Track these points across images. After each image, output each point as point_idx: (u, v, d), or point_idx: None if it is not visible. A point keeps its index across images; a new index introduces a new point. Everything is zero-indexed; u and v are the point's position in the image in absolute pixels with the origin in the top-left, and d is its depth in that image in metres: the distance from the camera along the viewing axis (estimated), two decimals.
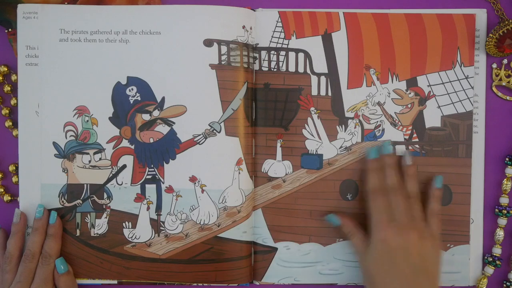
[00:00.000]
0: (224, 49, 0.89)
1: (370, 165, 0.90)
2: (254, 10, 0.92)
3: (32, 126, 0.91)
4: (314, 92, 0.92)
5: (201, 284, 0.93)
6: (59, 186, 0.91)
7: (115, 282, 0.93)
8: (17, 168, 0.92)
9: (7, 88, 0.93)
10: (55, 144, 0.90)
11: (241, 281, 0.92)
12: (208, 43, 0.89)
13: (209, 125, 0.89)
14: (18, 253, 0.88)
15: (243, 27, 0.90)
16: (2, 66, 0.93)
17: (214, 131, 0.89)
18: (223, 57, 0.89)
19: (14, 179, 0.94)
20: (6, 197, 0.94)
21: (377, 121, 0.93)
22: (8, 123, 0.93)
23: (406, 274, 0.80)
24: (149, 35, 0.90)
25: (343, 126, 0.92)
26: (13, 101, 0.93)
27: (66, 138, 0.90)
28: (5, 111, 0.93)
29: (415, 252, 0.81)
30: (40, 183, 0.91)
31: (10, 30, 0.92)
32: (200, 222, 0.90)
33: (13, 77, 0.93)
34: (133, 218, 0.91)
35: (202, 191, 0.90)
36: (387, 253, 0.81)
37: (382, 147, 0.91)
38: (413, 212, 0.85)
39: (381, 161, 0.90)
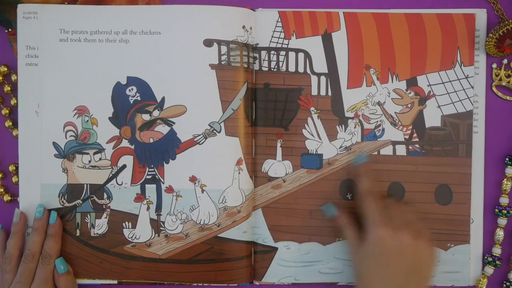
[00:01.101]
0: (224, 49, 0.89)
1: (361, 169, 0.90)
2: (254, 10, 0.92)
3: (32, 126, 0.91)
4: (314, 92, 0.93)
5: (201, 284, 0.93)
6: (59, 186, 0.91)
7: (115, 282, 0.93)
8: (17, 168, 0.92)
9: (7, 88, 0.93)
10: (55, 144, 0.90)
11: (241, 281, 0.92)
12: (208, 43, 0.89)
13: (209, 125, 0.89)
14: (18, 253, 0.88)
15: (243, 27, 0.90)
16: (2, 66, 0.93)
17: (214, 131, 0.89)
18: (223, 57, 0.89)
19: (14, 179, 0.94)
20: (6, 197, 0.94)
21: (377, 121, 0.93)
22: (8, 123, 0.93)
23: (398, 274, 0.80)
24: (149, 35, 0.90)
25: (343, 126, 0.93)
26: (13, 101, 0.93)
27: (66, 138, 0.90)
28: (5, 111, 0.93)
29: (409, 253, 0.80)
30: (40, 183, 0.91)
31: (10, 30, 0.92)
32: (200, 222, 0.90)
33: (13, 77, 0.93)
34: (133, 218, 0.91)
35: (202, 191, 0.90)
36: (381, 253, 0.81)
37: (360, 157, 0.91)
38: (407, 213, 0.85)
39: (370, 166, 0.90)
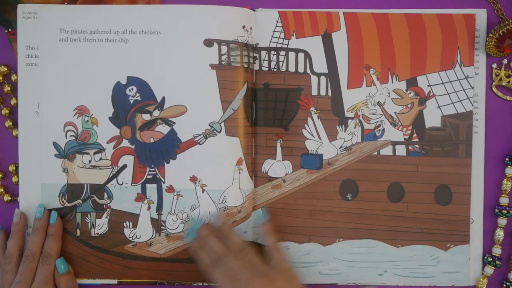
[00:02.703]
0: (224, 49, 0.89)
1: (193, 246, 0.88)
2: (254, 10, 0.92)
3: (32, 126, 0.91)
4: (314, 92, 0.93)
5: (201, 284, 0.93)
6: (59, 186, 0.91)
7: (115, 281, 0.93)
8: (17, 168, 0.92)
9: (7, 88, 0.93)
10: (55, 144, 0.90)
11: None
12: (208, 43, 0.89)
13: (209, 125, 0.89)
14: (18, 253, 0.88)
15: (243, 27, 0.90)
16: (2, 66, 0.93)
17: (215, 131, 0.89)
18: (223, 57, 0.89)
19: (14, 179, 0.94)
20: (6, 197, 0.94)
21: (377, 121, 0.93)
22: (8, 123, 0.93)
23: None
24: (148, 34, 0.90)
25: (343, 126, 0.93)
26: (13, 101, 0.93)
27: (66, 138, 0.90)
28: (5, 111, 0.93)
29: (235, 266, 0.81)
30: (40, 183, 0.91)
31: (10, 30, 0.92)
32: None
33: (13, 77, 0.93)
34: (133, 218, 0.91)
35: (203, 191, 0.90)
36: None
37: (191, 225, 0.89)
38: (250, 262, 0.83)
39: (199, 237, 0.87)
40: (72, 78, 0.90)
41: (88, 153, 0.90)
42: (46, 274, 0.87)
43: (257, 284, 0.78)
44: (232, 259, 0.82)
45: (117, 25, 0.90)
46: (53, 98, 0.90)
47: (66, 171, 0.90)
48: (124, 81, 0.90)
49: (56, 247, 0.89)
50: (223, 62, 0.89)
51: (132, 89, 0.90)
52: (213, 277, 0.83)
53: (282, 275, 0.82)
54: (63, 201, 0.91)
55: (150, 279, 0.92)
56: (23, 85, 0.91)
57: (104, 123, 0.90)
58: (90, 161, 0.91)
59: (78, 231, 0.91)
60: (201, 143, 0.90)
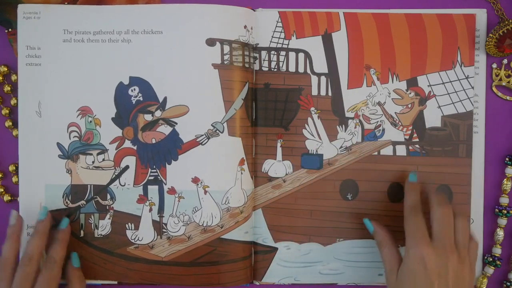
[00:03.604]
0: (226, 48, 0.89)
1: (410, 186, 0.88)
2: (254, 10, 0.92)
3: (32, 126, 0.91)
4: (314, 92, 0.93)
5: (203, 287, 0.93)
6: (63, 187, 0.90)
7: (115, 282, 0.93)
8: (17, 168, 0.92)
9: (7, 88, 0.93)
10: (59, 145, 0.90)
11: (241, 282, 0.92)
12: (210, 42, 0.89)
13: (211, 125, 0.89)
14: (13, 259, 0.84)
15: (245, 26, 0.90)
16: (2, 66, 0.93)
17: (217, 131, 0.89)
18: (226, 57, 0.89)
19: (14, 179, 0.94)
20: (6, 197, 0.94)
21: (377, 121, 0.93)
22: (8, 123, 0.93)
23: None
24: (150, 34, 0.89)
25: (343, 126, 0.93)
26: (13, 101, 0.93)
27: (70, 138, 0.90)
28: (5, 111, 0.93)
29: (452, 276, 0.78)
30: (44, 183, 0.91)
31: (10, 30, 0.92)
32: (203, 224, 0.90)
33: (13, 77, 0.93)
34: (136, 220, 0.91)
35: (205, 192, 0.90)
36: (423, 274, 0.78)
37: (412, 175, 0.90)
38: (457, 234, 0.82)
39: (420, 185, 0.88)
40: (76, 79, 0.90)
41: (91, 154, 0.90)
42: (49, 280, 0.83)
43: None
44: (446, 217, 0.82)
45: (120, 25, 0.89)
46: (57, 99, 0.90)
47: (70, 171, 0.90)
48: (126, 81, 0.90)
49: (62, 253, 0.86)
50: (225, 62, 0.89)
51: (134, 89, 0.89)
52: (408, 218, 0.83)
53: (468, 266, 0.82)
54: (67, 202, 0.90)
55: (152, 281, 0.91)
56: (23, 85, 0.91)
57: (107, 123, 0.90)
58: (93, 162, 0.90)
59: (82, 232, 0.91)
60: (203, 143, 0.89)
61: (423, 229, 0.81)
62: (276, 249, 0.93)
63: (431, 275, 0.77)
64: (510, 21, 0.87)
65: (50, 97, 0.90)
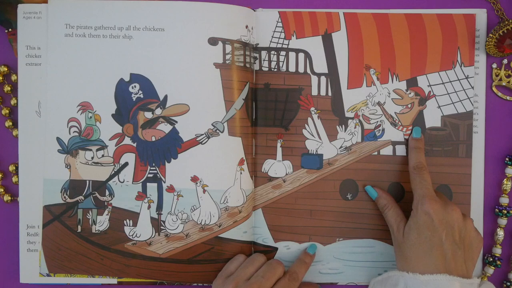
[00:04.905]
0: (228, 48, 0.89)
1: (413, 143, 0.91)
2: (254, 10, 0.92)
3: (32, 126, 0.91)
4: (314, 92, 0.93)
5: (201, 284, 0.93)
6: (61, 181, 0.90)
7: (115, 281, 0.93)
8: (17, 168, 0.92)
9: (7, 88, 0.93)
10: (58, 140, 0.90)
11: None
12: (212, 41, 0.89)
13: (212, 124, 0.89)
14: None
15: (246, 26, 0.90)
16: (2, 66, 0.93)
17: (217, 131, 0.89)
18: (228, 56, 0.89)
19: (14, 179, 0.94)
20: (6, 197, 0.94)
21: (377, 121, 0.93)
22: (8, 123, 0.93)
23: (447, 245, 0.80)
24: (152, 31, 0.89)
25: (343, 126, 0.93)
26: (13, 101, 0.93)
27: (69, 134, 0.90)
28: (5, 111, 0.93)
29: (458, 228, 0.81)
30: (42, 178, 0.90)
31: (10, 30, 0.92)
32: (201, 223, 0.90)
33: (13, 77, 0.93)
34: (134, 216, 0.91)
35: (204, 191, 0.90)
36: (430, 225, 0.80)
37: (416, 130, 0.92)
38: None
39: (423, 142, 0.91)
40: (77, 74, 0.90)
41: (90, 150, 0.90)
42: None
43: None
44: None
45: (121, 21, 0.89)
46: (57, 94, 0.90)
47: (68, 166, 0.90)
48: (127, 78, 0.90)
49: (303, 276, 0.90)
50: (227, 62, 0.89)
51: (135, 86, 0.89)
52: (414, 177, 0.87)
53: (471, 220, 0.85)
54: (65, 197, 0.90)
55: (149, 278, 0.92)
56: (23, 85, 0.91)
57: (107, 120, 0.90)
58: (92, 158, 0.90)
59: (79, 227, 0.91)
60: (203, 143, 0.89)
61: (428, 187, 0.85)
62: (276, 249, 0.93)
63: (439, 225, 0.80)
64: (510, 21, 0.87)
65: (51, 91, 0.90)
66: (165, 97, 0.90)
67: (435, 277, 0.79)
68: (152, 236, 0.91)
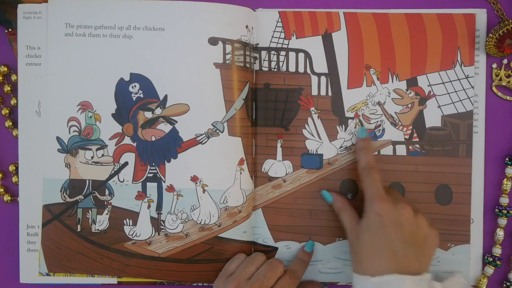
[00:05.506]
0: (228, 48, 0.89)
1: (361, 144, 0.90)
2: (254, 10, 0.92)
3: (32, 126, 0.91)
4: (314, 92, 0.93)
5: (201, 284, 0.93)
6: (61, 181, 0.90)
7: (115, 281, 0.93)
8: (17, 168, 0.93)
9: (7, 88, 0.93)
10: (58, 139, 0.90)
11: None
12: (213, 41, 0.89)
13: (212, 124, 0.89)
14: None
15: (246, 26, 0.90)
16: (2, 66, 0.93)
17: (217, 131, 0.89)
18: (228, 56, 0.89)
19: (14, 179, 0.94)
20: (6, 197, 0.94)
21: (377, 121, 0.93)
22: (8, 123, 0.93)
23: (397, 244, 0.79)
24: (152, 31, 0.89)
25: (343, 126, 0.93)
26: (13, 101, 0.93)
27: (69, 133, 0.90)
28: (5, 111, 0.93)
29: (408, 226, 0.80)
30: (42, 177, 0.90)
31: (10, 30, 0.92)
32: (200, 222, 0.90)
33: (13, 77, 0.93)
34: (134, 216, 0.91)
35: (204, 191, 0.90)
36: (380, 225, 0.80)
37: (361, 130, 0.92)
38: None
39: (370, 142, 0.91)
40: (77, 73, 0.90)
41: (90, 149, 0.90)
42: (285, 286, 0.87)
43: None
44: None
45: (122, 21, 0.89)
46: (57, 93, 0.90)
47: (68, 166, 0.90)
48: (127, 78, 0.90)
49: (302, 275, 0.90)
50: (227, 62, 0.89)
51: (135, 86, 0.89)
52: (364, 178, 0.86)
53: (422, 216, 0.84)
54: (64, 196, 0.90)
55: (149, 277, 0.92)
56: (23, 85, 0.91)
57: (107, 119, 0.90)
58: (92, 157, 0.90)
59: (78, 226, 0.91)
60: (203, 142, 0.89)
61: (378, 186, 0.84)
62: (276, 248, 0.93)
63: (388, 225, 0.80)
64: (510, 21, 0.87)
65: (52, 91, 0.90)
66: (165, 96, 0.90)
67: (385, 278, 0.78)
68: (152, 236, 0.91)
